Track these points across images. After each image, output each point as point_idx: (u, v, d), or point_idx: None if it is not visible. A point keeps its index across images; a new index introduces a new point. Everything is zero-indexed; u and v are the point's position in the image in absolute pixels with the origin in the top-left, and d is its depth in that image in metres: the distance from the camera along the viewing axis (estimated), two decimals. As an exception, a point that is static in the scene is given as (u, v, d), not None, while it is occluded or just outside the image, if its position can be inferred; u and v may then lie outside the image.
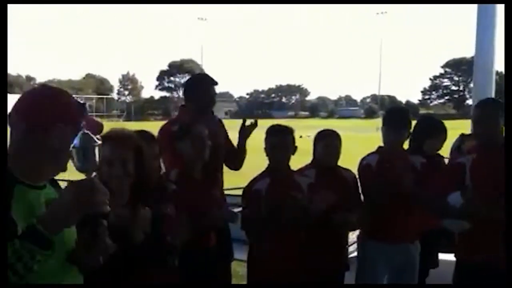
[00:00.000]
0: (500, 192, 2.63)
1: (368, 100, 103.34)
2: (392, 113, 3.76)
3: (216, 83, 3.75)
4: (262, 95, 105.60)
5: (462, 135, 4.23)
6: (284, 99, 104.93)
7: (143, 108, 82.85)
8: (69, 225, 1.50)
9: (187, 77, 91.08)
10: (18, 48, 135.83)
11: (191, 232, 2.82)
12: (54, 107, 1.60)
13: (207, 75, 3.87)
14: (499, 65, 4.71)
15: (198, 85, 3.77)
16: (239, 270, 4.00)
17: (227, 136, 3.89)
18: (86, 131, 1.51)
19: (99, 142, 1.52)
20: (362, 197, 3.52)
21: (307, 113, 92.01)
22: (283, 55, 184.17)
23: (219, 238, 3.26)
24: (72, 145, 1.49)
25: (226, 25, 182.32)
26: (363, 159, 3.56)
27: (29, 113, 1.59)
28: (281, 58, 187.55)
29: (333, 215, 3.26)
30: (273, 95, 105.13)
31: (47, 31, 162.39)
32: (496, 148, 2.88)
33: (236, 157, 3.81)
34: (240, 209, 3.31)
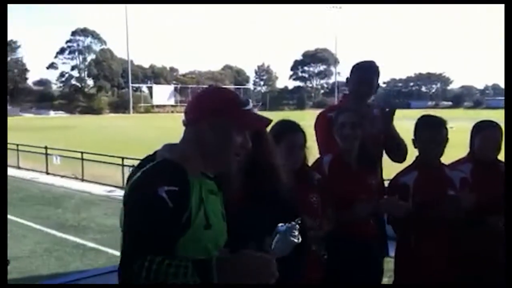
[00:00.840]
0: None
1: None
2: None
3: (374, 72, 3.59)
4: (400, 84, 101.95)
5: None
6: (423, 88, 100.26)
7: (278, 98, 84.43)
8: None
9: (320, 66, 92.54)
10: (163, 42, 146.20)
11: (339, 221, 2.77)
12: (201, 103, 1.71)
13: (370, 63, 3.67)
14: None
15: (357, 73, 3.61)
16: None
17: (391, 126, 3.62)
18: (297, 224, 1.59)
19: (299, 240, 1.60)
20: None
21: (449, 103, 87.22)
22: (423, 42, 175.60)
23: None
24: (277, 230, 1.59)
25: (361, 12, 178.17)
26: None
27: (187, 110, 1.73)
28: (421, 44, 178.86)
29: (488, 217, 3.00)
30: (411, 84, 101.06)
31: (189, 25, 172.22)
32: None
33: (398, 149, 3.57)
34: None
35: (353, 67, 3.67)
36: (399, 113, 3.57)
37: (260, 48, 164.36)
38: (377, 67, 3.63)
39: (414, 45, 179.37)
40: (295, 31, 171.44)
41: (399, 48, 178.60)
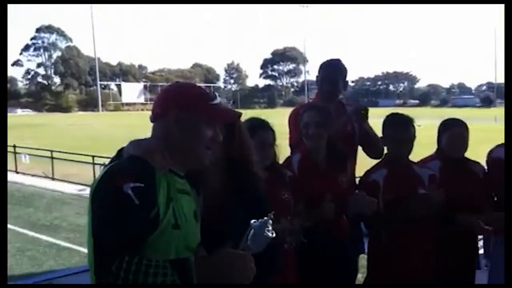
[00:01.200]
0: None
1: (483, 88, 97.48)
2: None
3: (339, 70, 3.59)
4: (368, 83, 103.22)
5: None
6: (391, 87, 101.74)
7: (248, 96, 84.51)
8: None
9: (290, 65, 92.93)
10: (130, 39, 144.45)
11: (311, 219, 2.78)
12: (167, 98, 1.69)
13: (335, 61, 3.66)
14: None
15: (323, 71, 3.63)
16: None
17: (365, 123, 3.60)
18: (270, 220, 1.58)
19: (273, 235, 1.56)
20: (493, 192, 3.22)
21: (416, 101, 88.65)
22: (390, 41, 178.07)
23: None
24: (251, 226, 1.57)
25: (330, 11, 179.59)
26: (491, 151, 3.23)
27: (154, 104, 1.72)
28: (387, 43, 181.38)
29: (457, 215, 3.03)
30: (379, 82, 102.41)
31: (158, 23, 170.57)
32: None
33: (373, 146, 3.53)
34: None
35: (320, 66, 3.68)
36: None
37: (229, 46, 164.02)
38: (342, 65, 3.61)
39: (382, 44, 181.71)
40: (263, 30, 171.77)
41: (367, 47, 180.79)
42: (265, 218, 1.58)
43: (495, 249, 3.29)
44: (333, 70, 3.59)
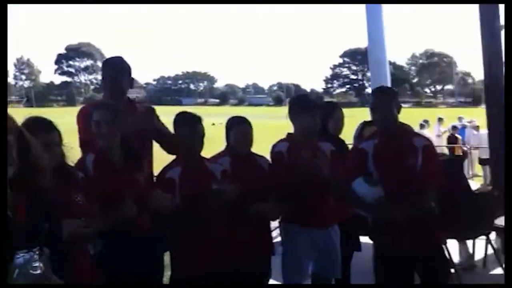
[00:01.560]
0: (403, 176, 2.89)
1: (274, 88, 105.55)
2: (300, 99, 3.70)
3: (120, 68, 3.53)
4: (169, 82, 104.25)
5: (364, 122, 4.34)
6: (192, 86, 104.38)
7: (44, 94, 78.76)
8: None
9: (86, 61, 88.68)
10: None
11: (110, 220, 2.74)
12: None
13: (115, 59, 3.61)
14: (392, 56, 5.17)
15: (104, 69, 3.61)
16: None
17: (156, 121, 3.58)
18: (35, 255, 1.46)
19: (42, 270, 1.47)
20: (277, 183, 3.47)
21: (217, 100, 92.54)
22: (188, 40, 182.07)
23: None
24: (14, 263, 1.43)
25: (129, 9, 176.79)
26: (274, 146, 3.54)
27: None
28: (186, 43, 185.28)
29: (250, 207, 3.25)
30: (180, 81, 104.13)
31: None
32: (394, 134, 3.09)
33: (166, 143, 3.55)
34: None
35: (102, 64, 3.65)
36: (172, 109, 3.60)
37: (17, 39, 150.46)
38: (125, 63, 3.56)
39: (181, 43, 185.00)
40: (57, 24, 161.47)
41: (166, 46, 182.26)
42: (31, 253, 1.44)
43: (286, 235, 3.60)
44: (115, 68, 3.54)
